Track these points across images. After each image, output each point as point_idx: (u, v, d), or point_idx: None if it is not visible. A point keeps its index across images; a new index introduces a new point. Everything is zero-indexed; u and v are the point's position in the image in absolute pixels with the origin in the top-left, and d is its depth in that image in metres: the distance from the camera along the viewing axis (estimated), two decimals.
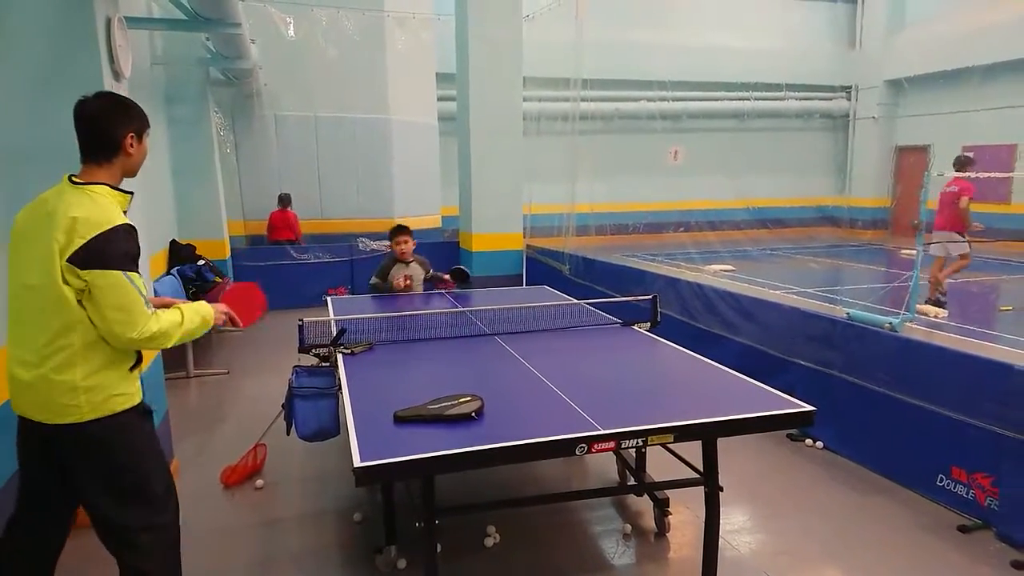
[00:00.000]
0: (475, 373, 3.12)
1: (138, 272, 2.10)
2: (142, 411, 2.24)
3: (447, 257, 9.28)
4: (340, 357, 3.19)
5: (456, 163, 9.09)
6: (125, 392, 2.16)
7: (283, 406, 3.04)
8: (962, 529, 3.32)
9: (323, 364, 3.30)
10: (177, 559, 2.35)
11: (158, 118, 7.86)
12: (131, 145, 2.20)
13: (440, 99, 11.34)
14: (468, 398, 2.45)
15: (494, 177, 8.33)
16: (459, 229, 9.36)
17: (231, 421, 5.01)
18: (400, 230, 4.90)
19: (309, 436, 2.95)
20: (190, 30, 7.16)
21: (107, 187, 2.15)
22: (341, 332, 3.33)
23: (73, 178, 2.14)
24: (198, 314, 2.28)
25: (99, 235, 2.01)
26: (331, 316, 3.78)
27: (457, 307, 4.33)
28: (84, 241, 2.00)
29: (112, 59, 3.25)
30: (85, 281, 2.00)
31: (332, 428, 2.92)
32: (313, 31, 9.75)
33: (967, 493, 3.46)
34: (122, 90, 3.38)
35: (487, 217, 8.47)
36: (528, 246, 8.73)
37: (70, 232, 2.01)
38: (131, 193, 2.25)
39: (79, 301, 2.03)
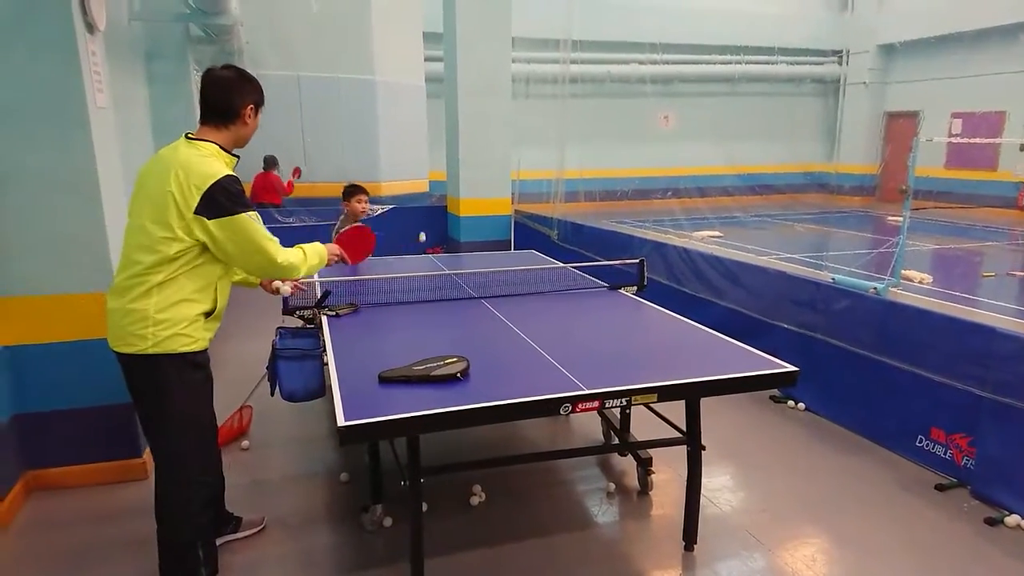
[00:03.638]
0: (461, 335, 3.11)
1: (255, 211, 2.32)
2: (196, 362, 2.37)
3: (435, 222, 9.21)
4: (325, 319, 3.17)
5: (444, 126, 8.96)
6: (191, 335, 2.31)
7: (267, 368, 3.02)
8: (939, 488, 3.39)
9: (307, 326, 3.28)
10: (190, 524, 2.43)
11: (137, 76, 7.66)
12: (249, 116, 2.42)
13: (427, 60, 11.11)
14: (454, 359, 2.44)
15: (482, 141, 8.20)
16: (447, 194, 9.26)
17: (216, 383, 4.97)
18: (359, 188, 4.72)
19: (293, 397, 2.94)
20: None
21: (216, 146, 2.34)
22: (326, 294, 3.31)
23: (188, 134, 2.34)
24: (316, 254, 2.62)
25: (213, 186, 2.18)
26: (315, 278, 3.74)
27: (444, 270, 4.30)
28: (202, 193, 2.17)
29: (84, 10, 3.13)
30: (212, 231, 2.20)
31: (317, 389, 2.91)
32: None
33: (945, 453, 3.53)
34: (96, 44, 3.27)
35: (475, 182, 8.36)
36: (517, 211, 8.66)
37: (184, 185, 2.18)
38: (237, 157, 2.45)
39: (190, 250, 2.22)
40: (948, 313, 3.69)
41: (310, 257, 2.57)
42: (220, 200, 2.20)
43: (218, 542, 2.82)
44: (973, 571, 2.78)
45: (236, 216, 2.23)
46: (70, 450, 3.37)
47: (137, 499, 3.20)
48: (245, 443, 3.87)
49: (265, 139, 9.71)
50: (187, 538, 2.44)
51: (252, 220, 2.28)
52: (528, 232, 8.37)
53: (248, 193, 9.36)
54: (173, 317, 2.26)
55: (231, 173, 2.29)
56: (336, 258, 2.82)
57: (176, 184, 2.18)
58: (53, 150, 3.07)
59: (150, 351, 2.26)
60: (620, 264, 4.22)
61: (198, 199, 2.18)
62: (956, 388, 3.46)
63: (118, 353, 2.31)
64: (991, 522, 3.08)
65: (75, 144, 3.09)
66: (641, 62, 13.94)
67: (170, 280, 2.24)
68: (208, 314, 2.37)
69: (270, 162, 9.30)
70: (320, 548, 2.93)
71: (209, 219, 2.20)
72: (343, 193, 4.73)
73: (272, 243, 2.36)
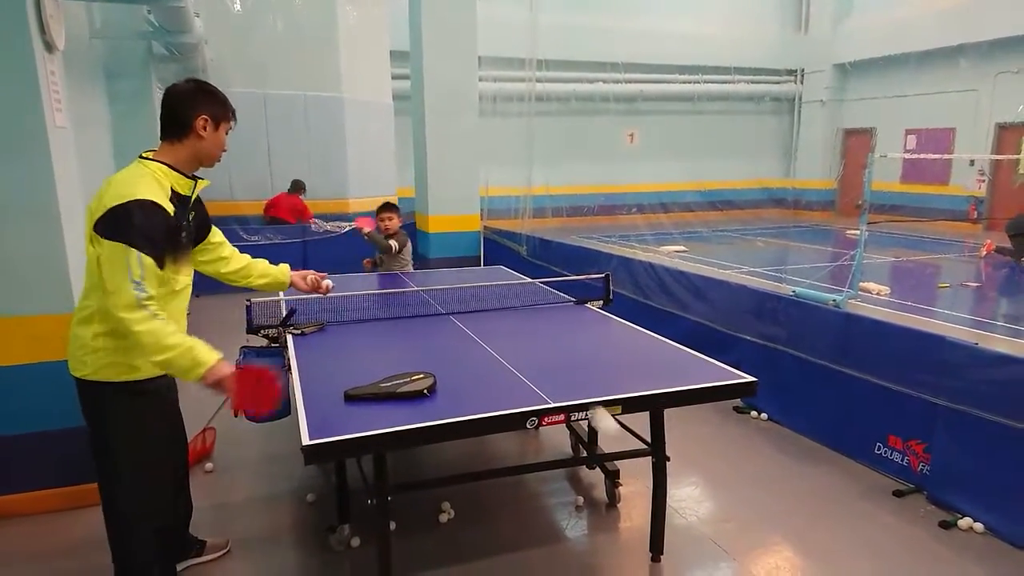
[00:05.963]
0: (429, 352, 3.11)
1: (147, 253, 2.05)
2: (141, 390, 2.27)
3: None
4: (290, 338, 3.15)
5: (412, 143, 8.97)
6: (131, 363, 2.22)
7: None
8: (897, 494, 3.48)
9: (272, 345, 3.25)
10: (140, 549, 2.38)
11: (98, 94, 7.55)
12: (203, 128, 2.25)
13: (395, 78, 11.14)
14: (421, 375, 2.45)
15: (450, 158, 8.24)
16: (415, 211, 9.27)
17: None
18: (387, 207, 5.12)
19: (257, 417, 2.90)
20: (130, 2, 6.86)
21: (164, 166, 2.22)
22: (291, 312, 3.29)
23: (143, 153, 2.25)
24: (191, 357, 2.08)
25: (121, 204, 2.05)
26: (281, 296, 3.72)
27: (412, 287, 4.31)
28: (107, 209, 2.06)
29: (43, 30, 3.10)
30: (99, 250, 2.07)
31: (281, 409, 2.88)
32: (261, 4, 9.45)
33: (902, 460, 3.63)
34: (55, 63, 3.23)
35: (443, 198, 8.39)
36: (486, 227, 8.70)
37: (100, 199, 2.10)
38: (195, 178, 2.32)
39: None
40: (902, 324, 3.82)
41: (179, 354, 2.07)
42: (116, 221, 2.03)
43: (182, 566, 2.76)
44: (928, 573, 2.87)
45: (117, 243, 2.02)
46: (21, 476, 3.27)
47: (93, 526, 3.11)
48: (208, 465, 3.80)
49: (230, 157, 9.58)
50: (139, 564, 2.39)
51: (132, 257, 2.02)
52: (497, 248, 8.41)
53: (265, 205, 9.59)
54: (108, 346, 2.19)
55: (152, 200, 2.08)
56: (217, 389, 2.16)
57: (97, 198, 2.12)
58: (11, 170, 3.02)
59: (90, 377, 2.23)
60: (587, 279, 4.28)
61: (101, 214, 2.06)
62: (912, 396, 3.57)
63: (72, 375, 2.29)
64: (945, 525, 3.18)
65: (34, 164, 3.04)
66: (605, 81, 14.20)
67: (104, 308, 2.12)
68: None
69: (297, 186, 9.69)
70: (286, 570, 2.89)
71: (100, 236, 2.05)
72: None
73: (133, 293, 2.01)
